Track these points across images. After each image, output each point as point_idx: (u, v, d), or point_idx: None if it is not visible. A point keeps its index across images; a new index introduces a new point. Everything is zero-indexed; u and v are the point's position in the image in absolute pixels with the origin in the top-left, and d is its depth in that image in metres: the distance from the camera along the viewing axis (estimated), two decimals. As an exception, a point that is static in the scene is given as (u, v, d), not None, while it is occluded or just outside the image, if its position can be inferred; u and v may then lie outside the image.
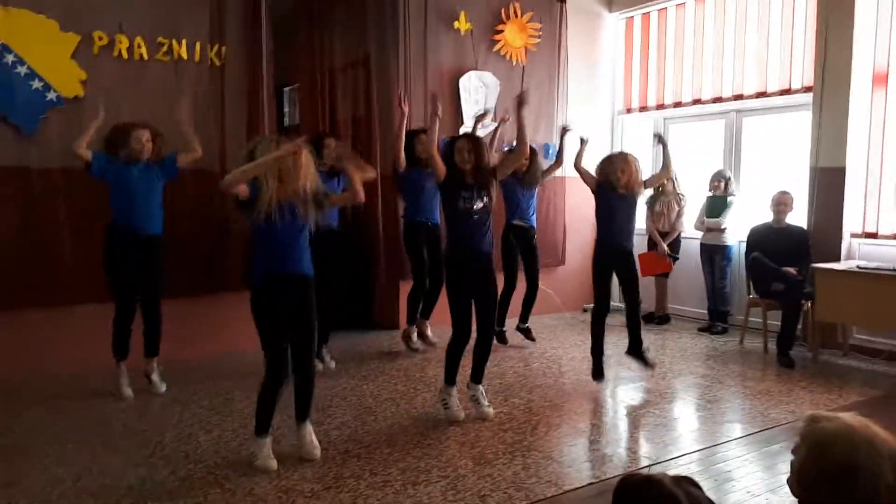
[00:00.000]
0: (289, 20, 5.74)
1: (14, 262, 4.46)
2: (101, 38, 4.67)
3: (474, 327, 3.86)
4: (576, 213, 6.66)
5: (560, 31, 6.73)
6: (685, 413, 4.19)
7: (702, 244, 6.17)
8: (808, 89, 5.62)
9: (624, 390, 4.52)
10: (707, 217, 6.10)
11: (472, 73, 6.21)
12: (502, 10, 6.34)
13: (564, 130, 5.61)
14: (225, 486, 3.01)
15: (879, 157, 5.34)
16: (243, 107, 5.21)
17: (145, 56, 4.82)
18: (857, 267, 4.90)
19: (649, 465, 3.28)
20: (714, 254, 6.07)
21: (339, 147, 4.79)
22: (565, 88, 6.81)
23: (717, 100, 6.40)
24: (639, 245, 5.91)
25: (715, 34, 6.40)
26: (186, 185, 4.68)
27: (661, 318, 6.50)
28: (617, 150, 7.22)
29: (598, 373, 4.46)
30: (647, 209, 6.40)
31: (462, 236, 3.75)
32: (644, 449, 3.58)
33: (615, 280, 4.61)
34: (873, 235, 5.36)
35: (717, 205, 6.07)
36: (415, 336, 5.30)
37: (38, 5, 4.45)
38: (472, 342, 3.87)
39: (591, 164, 4.70)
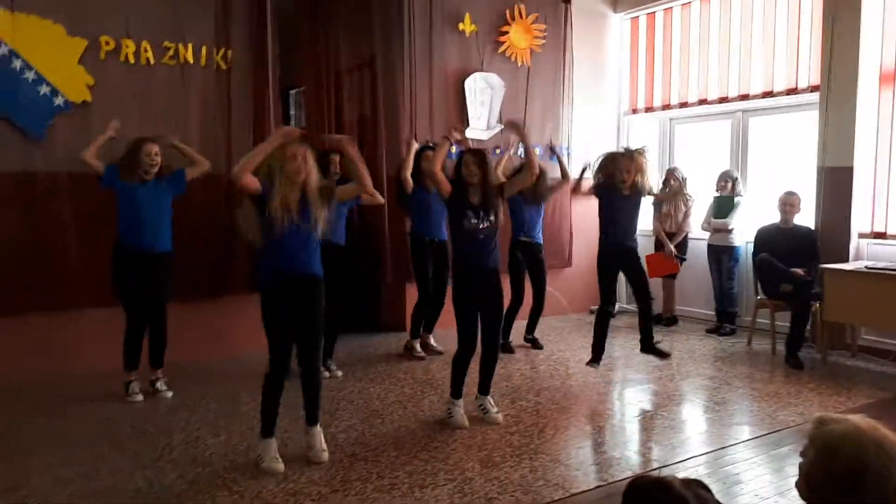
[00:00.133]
0: (294, 23, 5.76)
1: (21, 266, 4.49)
2: (107, 43, 4.70)
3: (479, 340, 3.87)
4: (582, 215, 6.65)
5: (565, 31, 6.72)
6: (693, 415, 4.17)
7: (709, 245, 6.15)
8: (814, 89, 5.59)
9: (631, 393, 4.51)
10: (714, 217, 6.07)
11: (477, 75, 6.21)
12: (507, 12, 6.34)
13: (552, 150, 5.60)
14: (233, 490, 3.01)
15: (887, 156, 5.31)
16: (249, 110, 5.22)
17: (152, 60, 4.84)
18: (866, 267, 4.87)
19: (658, 469, 3.27)
20: (721, 254, 6.04)
21: (342, 142, 4.82)
22: (570, 89, 6.80)
23: (723, 100, 6.38)
24: (646, 246, 5.92)
25: (720, 34, 6.37)
26: (194, 189, 4.67)
27: (668, 320, 6.48)
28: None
29: (594, 359, 4.43)
30: (653, 210, 6.38)
31: (468, 254, 3.76)
32: (652, 452, 3.57)
33: (622, 279, 4.60)
34: (882, 235, 5.33)
35: (724, 205, 6.04)
36: (418, 346, 5.27)
37: (45, 11, 4.48)
38: (477, 355, 3.87)
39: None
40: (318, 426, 3.37)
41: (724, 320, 6.09)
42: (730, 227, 5.96)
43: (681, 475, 1.43)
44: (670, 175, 6.47)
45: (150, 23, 4.83)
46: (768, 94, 6.02)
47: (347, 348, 5.32)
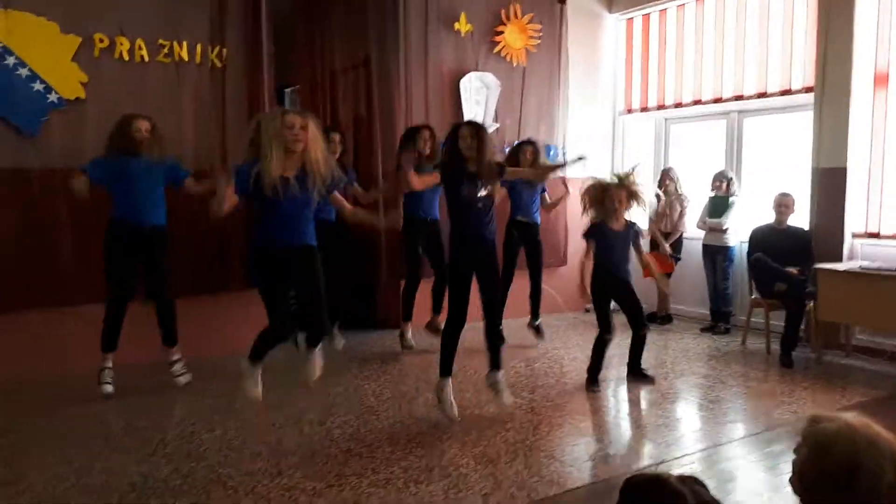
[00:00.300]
0: (289, 22, 5.76)
1: (15, 263, 4.47)
2: (101, 41, 4.68)
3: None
4: (577, 213, 6.62)
5: (560, 32, 6.73)
6: (687, 413, 4.19)
7: (704, 245, 6.17)
8: (808, 90, 5.62)
9: (626, 390, 4.52)
10: (709, 217, 6.10)
11: (472, 74, 6.21)
12: (502, 12, 6.35)
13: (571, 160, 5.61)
14: (227, 485, 3.01)
15: (881, 156, 5.33)
16: (244, 108, 5.21)
17: (146, 58, 4.83)
18: (860, 267, 4.90)
19: (654, 465, 3.28)
20: (716, 254, 6.07)
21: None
22: (566, 89, 6.82)
23: (718, 100, 6.40)
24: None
25: (715, 34, 6.40)
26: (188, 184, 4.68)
27: (663, 319, 6.50)
28: (618, 150, 7.30)
29: (592, 383, 4.44)
30: (649, 210, 6.40)
31: (466, 224, 3.74)
32: (646, 449, 3.57)
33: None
34: (876, 235, 5.35)
35: (719, 205, 6.07)
36: (409, 334, 5.27)
37: (39, 8, 4.46)
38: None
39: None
40: (320, 351, 3.51)
41: (719, 319, 6.11)
42: (724, 227, 5.98)
43: (675, 472, 1.44)
44: (665, 175, 6.50)
45: (144, 20, 4.82)
46: (762, 95, 6.05)
47: (343, 345, 5.32)
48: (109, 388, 4.12)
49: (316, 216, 3.48)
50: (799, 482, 1.52)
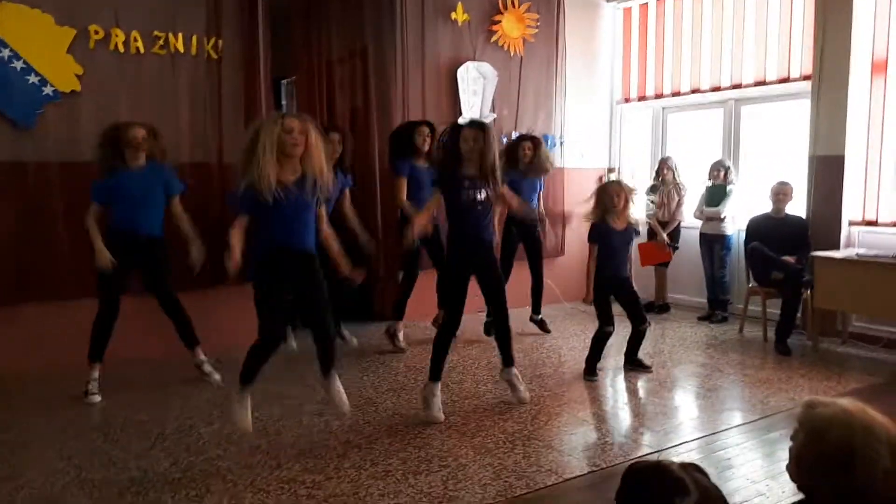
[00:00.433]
0: (285, 12, 5.72)
1: (12, 257, 4.46)
2: (96, 32, 4.65)
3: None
4: (575, 203, 6.65)
5: (557, 21, 6.71)
6: (685, 401, 4.20)
7: (701, 233, 6.18)
8: (806, 77, 5.61)
9: (624, 379, 4.53)
10: (706, 206, 6.10)
11: (469, 64, 6.19)
12: (499, 1, 6.32)
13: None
14: (227, 478, 3.02)
15: (879, 144, 5.33)
16: (241, 100, 5.19)
17: (142, 50, 4.80)
18: (857, 255, 4.91)
19: (653, 453, 3.29)
20: (713, 243, 6.07)
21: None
22: (563, 78, 6.80)
23: (716, 89, 6.39)
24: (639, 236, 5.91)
25: (713, 23, 6.37)
26: (186, 178, 4.66)
27: (660, 308, 6.51)
28: (616, 139, 7.29)
29: (590, 373, 4.46)
30: (646, 198, 6.40)
31: (465, 226, 3.72)
32: (644, 437, 3.58)
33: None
34: (873, 223, 5.36)
35: (716, 194, 6.06)
36: (400, 335, 5.19)
37: (33, 0, 4.43)
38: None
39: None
40: (336, 377, 3.42)
41: (716, 308, 6.12)
42: (722, 216, 5.99)
43: (675, 460, 1.45)
44: (663, 164, 6.49)
45: (139, 12, 4.78)
46: (760, 83, 6.03)
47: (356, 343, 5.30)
48: (97, 398, 4.05)
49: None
50: (796, 468, 1.53)
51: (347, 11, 5.83)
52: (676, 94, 6.74)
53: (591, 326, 4.59)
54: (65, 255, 4.59)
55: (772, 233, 5.30)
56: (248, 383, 3.29)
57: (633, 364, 4.62)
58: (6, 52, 4.38)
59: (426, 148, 5.01)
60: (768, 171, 5.93)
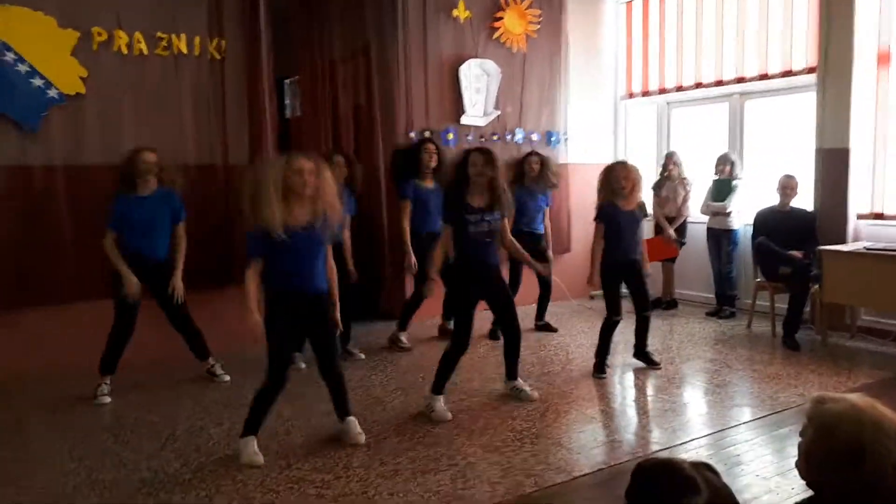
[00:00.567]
0: (287, 12, 5.73)
1: (18, 260, 4.48)
2: (100, 34, 4.66)
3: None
4: (581, 200, 6.63)
5: (560, 16, 6.69)
6: (694, 398, 4.19)
7: (708, 228, 6.16)
8: (811, 70, 5.58)
9: (632, 376, 4.52)
10: (712, 201, 6.07)
11: (472, 62, 6.18)
12: (501, -3, 6.31)
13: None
14: (237, 478, 3.03)
15: (885, 136, 5.30)
16: (244, 100, 5.20)
17: (145, 51, 4.81)
18: (865, 248, 4.88)
19: (665, 450, 3.29)
20: (720, 238, 6.05)
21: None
22: (566, 74, 6.78)
23: (720, 83, 6.36)
24: (646, 231, 5.90)
25: (716, 16, 6.34)
26: (191, 179, 4.68)
27: (668, 304, 6.50)
28: (620, 134, 7.27)
29: (599, 370, 4.45)
30: (653, 194, 6.38)
31: (471, 256, 3.75)
32: (653, 434, 3.58)
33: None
34: (880, 216, 5.33)
35: (722, 188, 6.04)
36: (403, 337, 5.21)
37: (37, 3, 4.44)
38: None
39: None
40: (352, 416, 3.43)
41: (724, 303, 6.10)
42: (728, 211, 5.96)
43: (683, 457, 1.44)
44: (669, 159, 6.47)
45: (142, 14, 4.80)
46: (764, 77, 6.01)
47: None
48: (107, 399, 4.08)
49: None
50: (805, 464, 1.52)
51: (349, 10, 5.83)
52: (680, 88, 6.72)
53: (599, 324, 4.57)
54: (68, 258, 4.61)
55: (779, 226, 5.28)
56: (254, 432, 3.23)
57: (643, 357, 4.60)
58: (10, 56, 4.39)
59: (434, 164, 5.02)
60: (774, 164, 5.90)
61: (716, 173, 6.12)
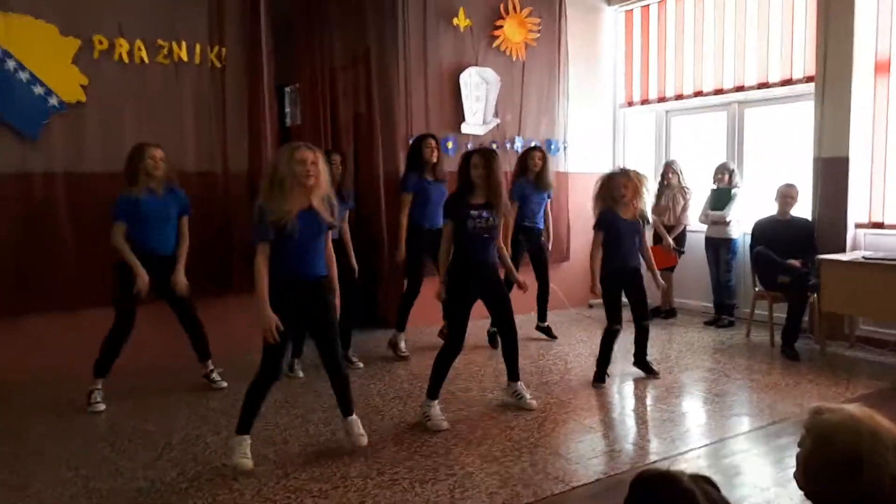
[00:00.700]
0: (288, 20, 5.74)
1: (18, 268, 4.48)
2: (101, 42, 4.68)
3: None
4: (579, 209, 6.65)
5: (559, 25, 6.72)
6: (692, 407, 4.18)
7: (707, 237, 6.16)
8: (809, 79, 5.59)
9: (630, 386, 4.52)
10: (711, 210, 6.08)
11: (472, 70, 6.20)
12: (501, 6, 6.33)
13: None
14: (233, 487, 3.02)
15: (884, 145, 5.31)
16: (244, 108, 5.22)
17: (146, 59, 4.83)
18: (863, 257, 4.88)
19: (662, 461, 3.28)
20: (719, 247, 6.06)
21: None
22: (566, 83, 6.80)
23: (719, 91, 6.38)
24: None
25: (715, 25, 6.37)
26: (191, 186, 4.68)
27: (667, 313, 6.49)
28: (619, 143, 7.28)
29: (600, 378, 4.44)
30: (652, 203, 6.39)
31: (470, 252, 3.79)
32: (651, 444, 3.56)
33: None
34: (879, 225, 5.33)
35: (721, 197, 6.05)
36: (402, 344, 5.19)
37: (38, 11, 4.46)
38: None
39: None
40: (355, 416, 3.42)
41: (723, 312, 6.10)
42: (727, 220, 5.97)
43: (681, 467, 1.43)
44: (668, 168, 6.48)
45: (143, 22, 4.81)
46: (764, 86, 6.03)
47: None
48: (101, 407, 4.06)
49: None
50: (803, 474, 1.52)
51: (349, 18, 5.85)
52: (679, 97, 6.74)
53: (598, 333, 4.58)
54: (69, 265, 4.61)
55: (778, 236, 5.28)
56: (247, 431, 3.23)
57: (642, 366, 4.60)
58: (12, 64, 4.41)
59: (434, 159, 5.05)
60: (773, 173, 5.91)
61: (714, 182, 6.13)
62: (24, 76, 4.45)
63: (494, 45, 6.34)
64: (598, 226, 4.44)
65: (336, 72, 5.85)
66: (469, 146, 6.13)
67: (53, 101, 4.55)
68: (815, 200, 5.50)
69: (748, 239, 5.64)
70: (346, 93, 5.94)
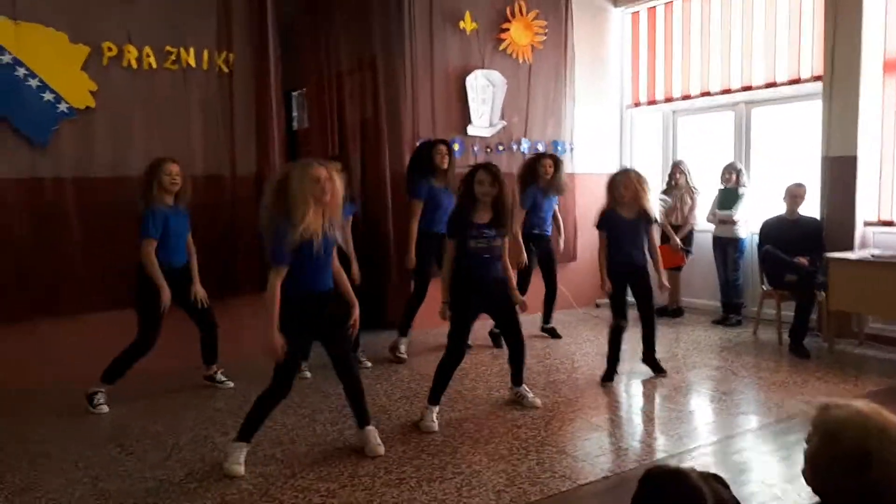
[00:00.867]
0: (295, 25, 5.78)
1: (27, 272, 4.52)
2: (110, 49, 4.72)
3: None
4: (586, 209, 6.62)
5: (566, 27, 6.72)
6: (700, 405, 4.17)
7: (714, 237, 6.15)
8: (817, 78, 5.58)
9: (638, 384, 4.51)
10: (719, 209, 6.07)
11: (478, 72, 6.21)
12: (507, 9, 6.34)
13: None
14: (241, 487, 3.03)
15: (892, 143, 5.29)
16: (252, 113, 5.24)
17: (154, 65, 4.87)
18: (872, 256, 4.86)
19: (671, 458, 3.27)
20: (727, 246, 6.04)
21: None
22: (572, 85, 6.81)
23: (726, 91, 6.37)
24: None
25: (722, 25, 6.36)
26: (199, 190, 4.72)
27: (674, 312, 6.48)
28: (626, 143, 7.28)
29: (608, 377, 4.44)
30: (660, 202, 6.38)
31: (470, 270, 3.75)
32: (659, 442, 3.56)
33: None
34: (888, 223, 5.31)
35: (728, 197, 6.03)
36: (402, 347, 5.17)
37: (48, 19, 4.51)
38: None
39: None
40: (372, 425, 3.42)
41: (730, 311, 6.08)
42: (735, 219, 5.95)
43: (688, 465, 1.43)
44: (676, 168, 6.48)
45: (151, 28, 4.85)
46: (771, 85, 6.01)
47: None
48: (105, 409, 4.09)
49: None
50: (811, 471, 1.52)
51: (356, 22, 5.88)
52: (686, 97, 6.73)
53: (605, 332, 4.57)
54: (78, 269, 4.65)
55: (786, 234, 5.26)
56: (247, 439, 3.23)
57: (650, 364, 4.59)
58: (22, 71, 4.45)
59: (444, 166, 5.04)
60: (780, 173, 5.89)
61: (722, 182, 6.12)
62: (33, 83, 4.50)
63: (501, 48, 6.35)
64: (600, 225, 4.47)
65: (343, 76, 5.88)
66: (475, 148, 6.17)
67: (63, 107, 4.59)
68: (824, 199, 5.48)
69: (756, 238, 5.62)
70: (353, 97, 5.97)
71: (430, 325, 5.55)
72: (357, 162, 5.90)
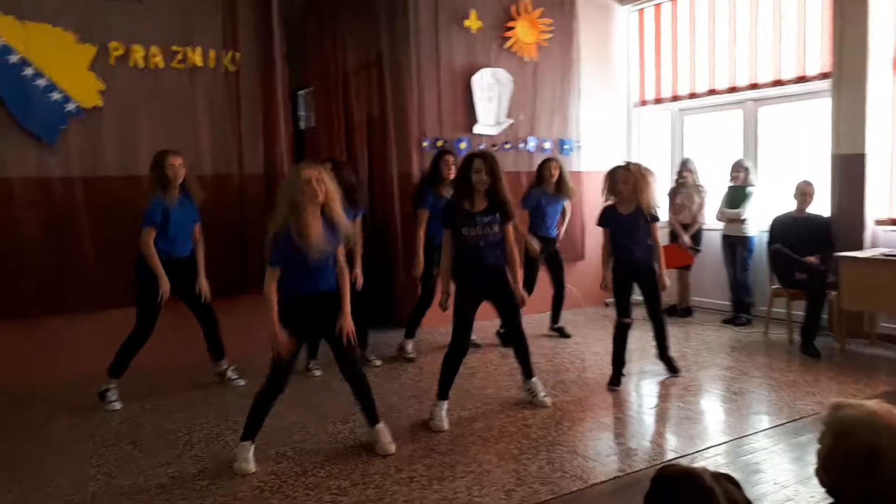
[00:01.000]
0: (301, 24, 5.79)
1: (38, 269, 4.54)
2: (116, 49, 4.74)
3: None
4: (593, 208, 6.61)
5: (572, 25, 6.71)
6: (711, 405, 4.16)
7: (723, 235, 6.13)
8: (825, 76, 5.55)
9: (648, 384, 4.50)
10: (727, 208, 6.05)
11: (484, 71, 6.21)
12: (513, 7, 6.34)
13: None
14: (253, 484, 3.04)
15: (902, 141, 5.26)
16: (258, 112, 5.26)
17: (161, 65, 4.88)
18: (882, 254, 4.83)
19: (682, 457, 3.26)
20: (736, 245, 6.02)
21: None
22: (578, 83, 6.79)
23: (733, 89, 6.34)
24: (662, 238, 5.89)
25: (728, 23, 6.33)
26: (206, 189, 4.71)
27: (683, 311, 6.46)
28: (633, 141, 7.27)
29: (614, 381, 4.41)
30: (668, 201, 6.37)
31: (467, 260, 3.76)
32: (669, 442, 3.55)
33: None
34: (899, 222, 5.28)
35: (737, 195, 6.01)
36: (409, 347, 5.18)
37: (56, 19, 4.53)
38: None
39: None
40: (382, 423, 3.42)
41: (740, 310, 6.06)
42: (743, 217, 5.93)
43: (700, 465, 1.43)
44: (683, 166, 6.46)
45: (158, 28, 4.87)
46: (778, 83, 5.98)
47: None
48: (117, 405, 4.12)
49: None
50: (823, 470, 1.52)
51: (362, 21, 5.89)
52: (693, 95, 6.71)
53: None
54: (88, 267, 4.67)
55: (795, 232, 5.24)
56: (250, 438, 3.25)
57: (665, 361, 4.58)
58: (30, 71, 4.47)
59: (451, 176, 5.02)
60: (789, 171, 5.87)
61: (730, 180, 6.09)
62: (42, 82, 4.52)
63: (506, 46, 6.35)
64: (600, 223, 4.48)
65: (349, 75, 5.89)
66: (482, 147, 6.15)
67: (71, 106, 4.61)
68: (833, 197, 5.45)
69: (765, 236, 5.60)
70: (360, 95, 5.98)
71: (438, 323, 5.56)
72: (364, 160, 5.91)
